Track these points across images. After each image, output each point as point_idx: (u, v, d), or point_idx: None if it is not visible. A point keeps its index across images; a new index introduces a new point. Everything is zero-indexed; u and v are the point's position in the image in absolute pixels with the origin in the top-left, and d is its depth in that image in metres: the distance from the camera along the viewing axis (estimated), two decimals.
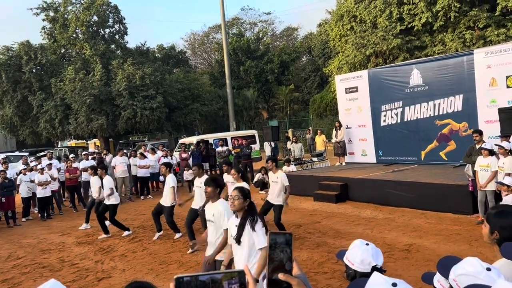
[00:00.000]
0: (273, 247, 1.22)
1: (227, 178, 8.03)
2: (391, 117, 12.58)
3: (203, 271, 4.69)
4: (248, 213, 3.76)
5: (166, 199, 8.22)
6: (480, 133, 8.11)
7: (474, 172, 7.71)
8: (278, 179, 7.50)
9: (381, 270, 1.84)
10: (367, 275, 1.64)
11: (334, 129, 14.11)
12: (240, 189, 3.83)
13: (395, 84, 12.37)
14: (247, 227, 3.69)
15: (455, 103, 11.07)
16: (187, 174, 13.47)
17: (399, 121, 12.41)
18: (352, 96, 13.66)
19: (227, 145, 16.82)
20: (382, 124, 12.83)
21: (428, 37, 20.38)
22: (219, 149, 15.58)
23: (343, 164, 13.74)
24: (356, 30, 22.89)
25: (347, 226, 8.33)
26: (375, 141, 13.13)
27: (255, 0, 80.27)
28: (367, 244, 2.05)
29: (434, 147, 11.69)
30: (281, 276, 1.21)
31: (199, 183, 7.24)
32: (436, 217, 8.33)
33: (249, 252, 3.73)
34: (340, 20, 24.41)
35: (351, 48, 22.56)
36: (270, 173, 7.83)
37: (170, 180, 8.23)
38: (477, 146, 7.88)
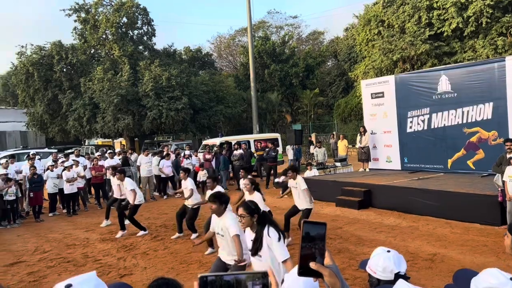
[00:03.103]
0: (305, 238, 1.22)
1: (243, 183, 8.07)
2: (418, 123, 12.36)
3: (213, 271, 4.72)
4: (260, 226, 3.65)
5: (189, 201, 8.34)
6: None
7: (504, 182, 7.49)
8: (296, 184, 7.63)
9: (405, 277, 1.80)
10: (390, 283, 1.61)
11: (358, 134, 13.97)
12: (245, 206, 3.73)
13: (423, 90, 12.15)
14: (264, 240, 3.58)
15: (485, 111, 10.79)
16: (202, 175, 13.54)
17: (425, 128, 12.17)
18: (378, 101, 13.48)
19: (249, 148, 16.81)
20: (408, 130, 12.61)
21: (458, 43, 19.95)
22: (235, 152, 15.55)
23: (367, 170, 13.57)
24: (383, 35, 22.62)
25: (369, 233, 8.21)
26: (400, 147, 12.92)
27: (282, 4, 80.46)
28: (388, 251, 2.02)
29: (462, 156, 11.41)
30: (312, 265, 1.21)
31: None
32: (462, 227, 8.12)
33: (269, 265, 3.58)
34: (368, 24, 24.18)
35: (378, 53, 22.30)
36: (291, 180, 7.87)
37: (188, 184, 8.42)
38: (508, 156, 7.65)
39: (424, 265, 6.12)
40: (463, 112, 11.25)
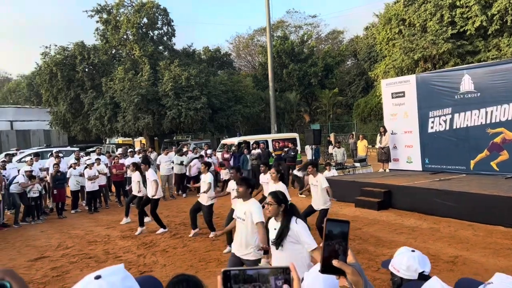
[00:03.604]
0: (328, 236, 1.22)
1: (263, 178, 8.05)
2: (439, 123, 12.15)
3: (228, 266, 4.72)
4: (287, 217, 3.65)
5: (204, 198, 8.36)
6: None
7: None
8: (317, 182, 7.46)
9: (429, 277, 1.78)
10: (414, 282, 1.59)
11: (378, 135, 13.82)
12: (274, 194, 3.74)
13: (445, 90, 11.94)
14: (290, 231, 3.59)
15: (509, 111, 10.54)
16: (224, 174, 13.58)
17: (447, 128, 11.96)
18: (398, 101, 13.31)
19: (267, 148, 16.81)
20: (430, 130, 12.41)
21: (482, 41, 19.54)
22: (253, 151, 15.49)
23: (387, 170, 13.41)
24: (404, 34, 22.32)
25: (389, 234, 8.12)
26: (421, 148, 12.72)
27: (301, 3, 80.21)
28: (413, 251, 2.00)
29: (485, 157, 11.17)
30: (335, 263, 1.20)
31: (235, 185, 7.28)
32: (485, 229, 7.94)
33: (291, 257, 3.57)
34: (388, 23, 23.90)
35: (399, 52, 22.01)
36: (310, 177, 7.75)
37: (208, 177, 8.43)
38: None
39: (445, 268, 6.03)
40: (486, 112, 11.01)
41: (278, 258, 3.72)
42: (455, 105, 11.70)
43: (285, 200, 3.74)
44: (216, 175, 13.69)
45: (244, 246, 4.53)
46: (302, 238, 3.55)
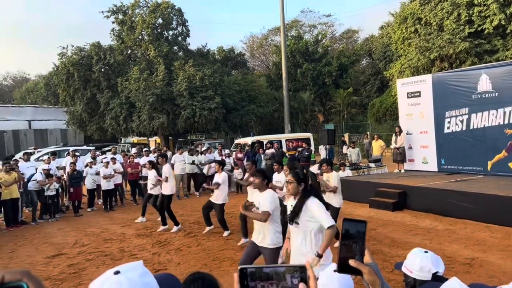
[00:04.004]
0: (345, 236, 1.23)
1: (277, 177, 8.05)
2: (456, 124, 11.99)
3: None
4: (305, 195, 3.72)
5: (217, 197, 8.40)
6: None
7: None
8: (327, 181, 7.53)
9: (443, 278, 1.77)
10: (427, 283, 1.58)
11: (393, 135, 13.70)
12: (294, 173, 3.82)
13: (461, 89, 11.77)
14: (304, 207, 3.65)
15: None
16: (236, 174, 13.59)
17: (464, 128, 11.79)
18: (414, 101, 13.17)
19: (280, 147, 16.78)
20: (446, 131, 12.26)
21: (500, 40, 19.20)
22: (267, 151, 15.47)
23: (402, 171, 13.28)
24: (420, 33, 22.06)
25: (404, 235, 8.04)
26: (437, 148, 12.57)
27: (315, 3, 79.90)
28: (426, 252, 1.99)
29: (503, 158, 10.98)
30: (352, 262, 1.21)
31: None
32: (503, 231, 7.81)
33: (304, 234, 3.68)
34: (404, 22, 23.65)
35: (415, 52, 21.78)
36: (325, 174, 7.77)
37: (220, 178, 8.45)
38: None
39: (461, 270, 5.95)
40: (504, 112, 10.82)
41: (293, 233, 3.82)
42: (472, 105, 11.53)
43: (305, 180, 3.82)
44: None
45: (262, 234, 4.69)
46: (317, 215, 3.59)
